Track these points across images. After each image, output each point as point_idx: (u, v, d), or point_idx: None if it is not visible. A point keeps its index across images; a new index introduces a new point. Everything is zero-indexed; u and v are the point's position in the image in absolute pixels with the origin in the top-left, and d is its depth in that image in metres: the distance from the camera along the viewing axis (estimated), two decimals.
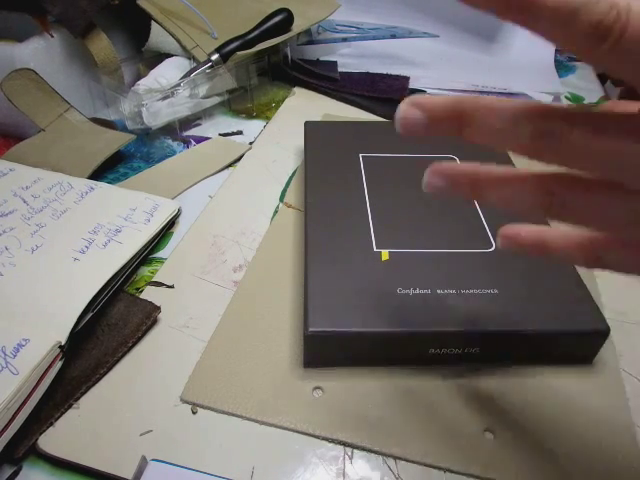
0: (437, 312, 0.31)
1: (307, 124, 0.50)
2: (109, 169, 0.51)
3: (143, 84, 0.56)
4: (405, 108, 0.20)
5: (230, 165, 0.52)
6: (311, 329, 0.30)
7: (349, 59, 0.73)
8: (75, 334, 0.32)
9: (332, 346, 0.31)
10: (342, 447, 0.28)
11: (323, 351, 0.31)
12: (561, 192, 0.19)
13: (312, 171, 0.43)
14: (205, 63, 0.58)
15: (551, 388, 0.31)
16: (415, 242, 0.36)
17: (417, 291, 0.32)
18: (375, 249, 0.35)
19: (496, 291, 0.32)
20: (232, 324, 0.35)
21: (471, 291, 0.32)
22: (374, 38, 0.77)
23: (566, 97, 0.65)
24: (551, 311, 0.31)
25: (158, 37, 0.60)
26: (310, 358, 0.32)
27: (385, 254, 0.35)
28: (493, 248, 0.36)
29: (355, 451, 0.28)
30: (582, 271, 0.34)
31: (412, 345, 0.31)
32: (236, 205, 0.46)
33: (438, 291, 0.32)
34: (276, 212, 0.45)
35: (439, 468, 0.28)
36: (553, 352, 0.32)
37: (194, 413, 0.30)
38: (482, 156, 0.45)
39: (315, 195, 0.40)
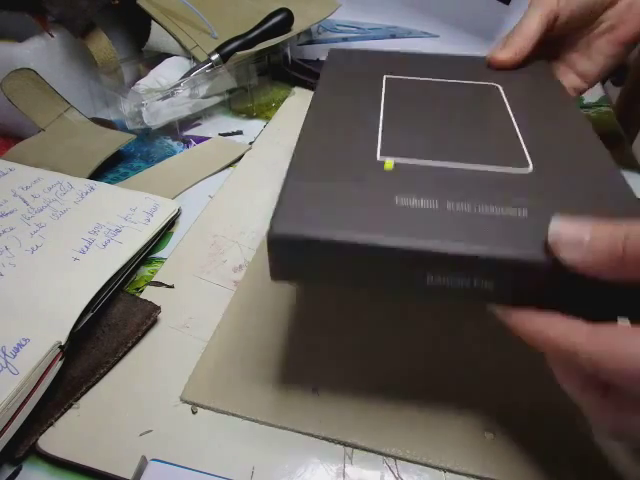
0: (442, 228, 0.24)
1: (332, 51, 0.43)
2: (109, 169, 0.51)
3: (143, 84, 0.56)
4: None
5: (230, 165, 0.52)
6: (276, 232, 0.23)
7: None
8: (75, 334, 0.32)
9: (303, 256, 0.24)
10: (342, 447, 0.28)
11: (292, 262, 0.25)
12: None
13: (323, 90, 0.36)
14: (205, 63, 0.58)
15: (551, 387, 0.31)
16: (429, 153, 0.28)
17: (421, 203, 0.25)
18: (379, 157, 0.28)
19: (525, 214, 0.24)
20: (232, 324, 0.35)
21: (492, 210, 0.24)
22: (374, 38, 0.77)
23: None
24: None
25: (158, 37, 0.60)
26: (277, 269, 0.25)
27: (389, 163, 0.28)
28: (530, 169, 0.27)
29: (355, 451, 0.28)
30: None
31: (405, 267, 0.24)
32: (236, 205, 0.46)
33: (448, 205, 0.25)
34: None
35: (439, 468, 0.28)
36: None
37: (194, 413, 0.30)
38: (529, 89, 0.39)
39: (320, 106, 0.33)
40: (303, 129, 0.31)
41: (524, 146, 0.29)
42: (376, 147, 0.29)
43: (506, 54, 0.39)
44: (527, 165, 0.28)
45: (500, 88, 0.37)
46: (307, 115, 0.32)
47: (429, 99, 0.35)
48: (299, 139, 0.30)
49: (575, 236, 0.19)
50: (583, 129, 0.32)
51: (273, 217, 0.24)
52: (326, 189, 0.25)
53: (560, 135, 0.31)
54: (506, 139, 0.30)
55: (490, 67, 0.40)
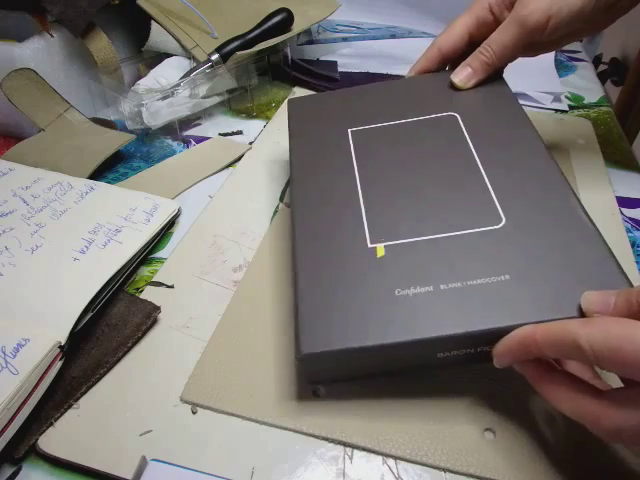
0: (442, 313, 0.27)
1: (290, 102, 0.46)
2: (109, 169, 0.51)
3: (143, 84, 0.56)
4: None
5: (230, 165, 0.52)
6: (304, 351, 0.27)
7: (349, 59, 0.73)
8: (75, 334, 0.32)
9: (329, 365, 0.29)
10: (342, 447, 0.29)
11: (321, 369, 0.30)
12: None
13: (297, 157, 0.39)
14: (205, 63, 0.58)
15: None
16: (412, 230, 0.32)
17: (417, 290, 0.28)
18: (369, 245, 0.31)
19: (507, 277, 0.28)
20: (232, 324, 0.35)
21: (479, 281, 0.28)
22: (374, 38, 0.77)
23: (566, 97, 0.65)
24: (576, 297, 0.26)
25: (158, 37, 0.60)
26: (310, 377, 0.31)
27: (381, 250, 0.31)
28: (502, 224, 0.31)
29: (355, 451, 0.28)
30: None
31: (418, 353, 0.29)
32: (236, 205, 0.46)
33: (441, 286, 0.28)
34: (276, 212, 0.45)
35: (439, 468, 0.28)
36: None
37: (194, 413, 0.30)
38: (485, 113, 0.41)
39: (302, 188, 0.36)
40: (295, 215, 0.34)
41: (495, 199, 0.32)
42: (365, 235, 0.32)
43: (458, 79, 0.41)
44: (500, 221, 0.31)
45: (458, 117, 0.39)
46: (293, 192, 0.36)
47: (396, 155, 0.37)
48: (295, 231, 0.33)
49: (604, 300, 0.25)
50: (543, 160, 0.34)
51: (297, 338, 0.28)
52: (335, 300, 0.29)
53: (524, 176, 0.34)
54: (479, 196, 0.33)
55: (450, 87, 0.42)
